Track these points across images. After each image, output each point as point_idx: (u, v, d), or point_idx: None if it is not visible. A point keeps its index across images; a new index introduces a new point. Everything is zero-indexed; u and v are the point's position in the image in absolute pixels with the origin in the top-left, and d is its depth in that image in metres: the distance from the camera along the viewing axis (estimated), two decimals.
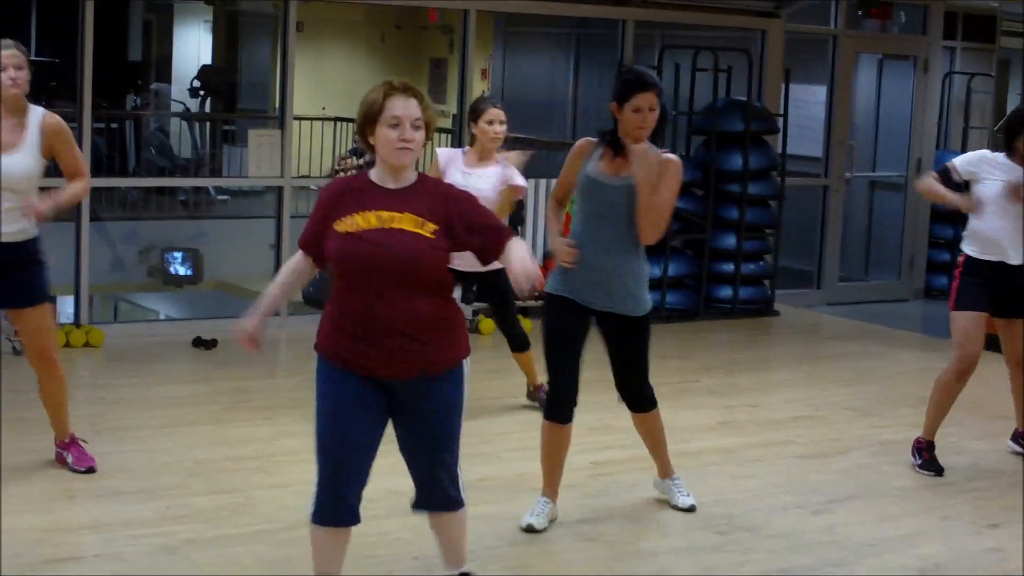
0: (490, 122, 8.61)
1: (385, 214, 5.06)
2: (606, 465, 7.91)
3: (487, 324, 11.59)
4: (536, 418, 8.84)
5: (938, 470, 8.04)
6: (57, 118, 7.14)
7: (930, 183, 8.10)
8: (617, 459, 7.95)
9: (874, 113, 15.73)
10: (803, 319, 13.55)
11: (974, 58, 15.79)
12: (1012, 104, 14.42)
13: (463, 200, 5.24)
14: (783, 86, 13.68)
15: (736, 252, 13.05)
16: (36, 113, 7.07)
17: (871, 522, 7.15)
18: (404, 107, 5.06)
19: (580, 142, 6.82)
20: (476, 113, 8.70)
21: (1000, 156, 7.95)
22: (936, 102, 15.26)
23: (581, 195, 6.72)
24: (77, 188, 7.16)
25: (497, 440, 8.35)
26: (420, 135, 5.09)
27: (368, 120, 5.09)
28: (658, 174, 6.53)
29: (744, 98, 13.20)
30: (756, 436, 8.83)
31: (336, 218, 5.10)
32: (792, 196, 13.87)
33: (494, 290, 8.67)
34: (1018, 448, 8.47)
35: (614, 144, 6.64)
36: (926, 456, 8.11)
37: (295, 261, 5.36)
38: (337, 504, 5.22)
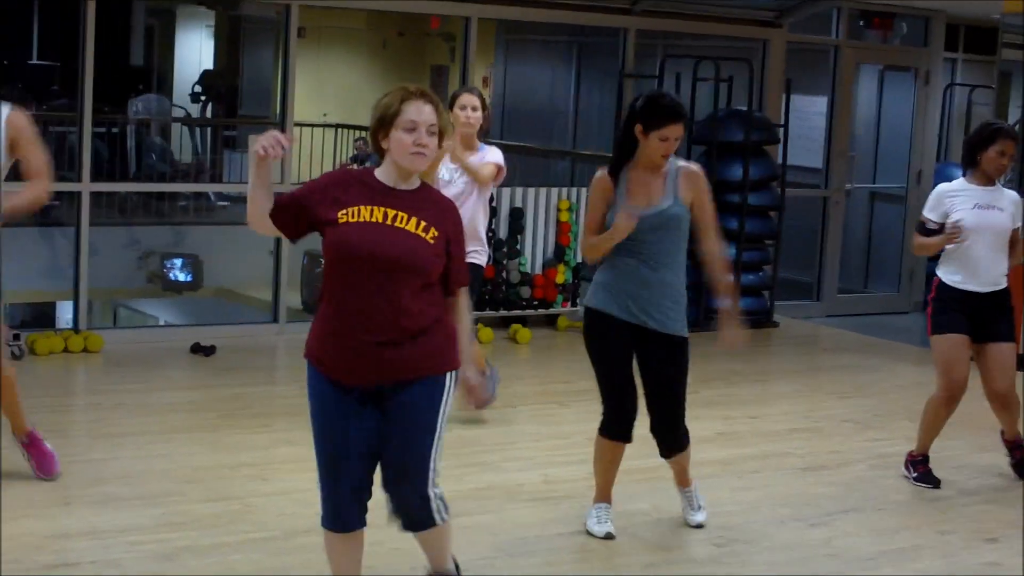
0: (462, 107, 8.55)
1: (392, 212, 5.08)
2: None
3: (485, 333, 11.59)
4: (536, 428, 8.89)
5: (935, 482, 8.03)
6: (22, 113, 6.78)
7: (920, 241, 8.04)
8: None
9: (875, 124, 15.72)
10: (802, 331, 13.54)
11: (975, 70, 15.81)
12: (1013, 117, 14.38)
13: (458, 221, 5.27)
14: (784, 96, 13.68)
15: (736, 263, 13.02)
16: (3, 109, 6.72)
17: (869, 535, 7.14)
18: (420, 112, 5.06)
19: (598, 179, 6.66)
20: (451, 100, 8.63)
21: (956, 183, 7.95)
22: (937, 114, 15.26)
23: None
24: (36, 191, 6.71)
25: (498, 450, 8.33)
26: (434, 141, 5.10)
27: (382, 123, 5.09)
28: (692, 189, 6.73)
29: (745, 108, 13.19)
30: (755, 448, 8.82)
31: (340, 207, 5.07)
32: (792, 207, 13.87)
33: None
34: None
35: (623, 163, 6.62)
36: (921, 469, 8.11)
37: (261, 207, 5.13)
38: (337, 511, 5.25)
